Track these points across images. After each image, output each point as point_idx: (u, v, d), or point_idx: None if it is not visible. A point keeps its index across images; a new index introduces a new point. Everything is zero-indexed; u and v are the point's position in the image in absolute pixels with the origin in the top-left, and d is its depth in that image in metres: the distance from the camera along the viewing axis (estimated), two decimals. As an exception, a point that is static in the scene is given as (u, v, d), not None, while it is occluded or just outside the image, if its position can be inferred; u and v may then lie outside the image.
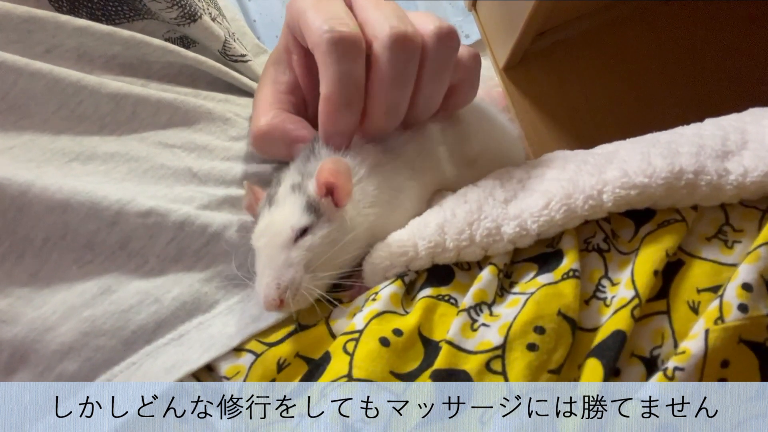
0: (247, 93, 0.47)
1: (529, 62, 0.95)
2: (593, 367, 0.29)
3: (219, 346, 0.32)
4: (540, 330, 0.29)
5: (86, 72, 0.40)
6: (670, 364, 0.28)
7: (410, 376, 0.30)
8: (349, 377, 0.29)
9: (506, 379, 0.28)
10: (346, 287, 0.35)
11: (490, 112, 0.47)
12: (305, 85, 0.39)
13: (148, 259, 0.35)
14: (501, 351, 0.29)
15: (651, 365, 0.29)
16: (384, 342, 0.30)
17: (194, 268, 0.35)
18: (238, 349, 0.33)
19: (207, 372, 0.33)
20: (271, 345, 0.32)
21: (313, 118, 0.37)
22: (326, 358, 0.31)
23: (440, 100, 0.37)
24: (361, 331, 0.31)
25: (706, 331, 0.28)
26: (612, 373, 0.28)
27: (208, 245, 0.36)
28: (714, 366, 0.28)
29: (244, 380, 0.31)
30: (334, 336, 0.33)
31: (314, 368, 0.31)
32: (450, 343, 0.30)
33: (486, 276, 0.32)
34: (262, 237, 0.34)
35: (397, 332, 0.31)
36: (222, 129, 0.42)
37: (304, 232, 0.33)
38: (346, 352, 0.31)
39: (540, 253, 0.34)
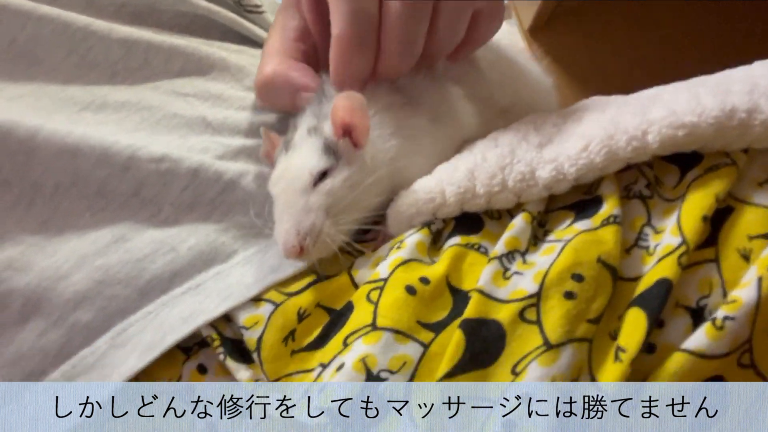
0: (260, 45, 0.45)
1: (555, 23, 0.92)
2: (636, 317, 0.27)
3: (237, 295, 0.31)
4: (578, 278, 0.27)
5: (94, 19, 0.39)
6: (720, 313, 0.26)
7: (438, 326, 0.28)
8: (374, 326, 0.28)
9: (541, 329, 0.27)
10: (369, 236, 0.33)
11: (521, 61, 0.44)
12: (316, 30, 0.37)
13: (162, 207, 0.34)
14: (536, 299, 0.27)
15: (697, 316, 0.27)
16: (410, 290, 0.29)
17: (210, 218, 0.34)
18: (257, 299, 0.31)
19: (225, 322, 0.31)
20: (290, 295, 0.31)
21: (324, 66, 0.35)
22: (349, 307, 0.30)
23: (460, 35, 0.34)
24: (385, 280, 0.29)
25: (759, 279, 0.26)
26: (656, 324, 0.26)
27: (224, 193, 0.34)
28: (766, 316, 0.26)
29: (263, 331, 0.30)
30: (356, 286, 0.31)
31: (336, 318, 0.30)
32: (480, 291, 0.28)
33: (519, 223, 0.30)
34: (279, 182, 0.32)
35: (424, 281, 0.29)
36: (236, 78, 0.40)
37: (323, 176, 0.31)
38: (369, 300, 0.29)
39: (577, 200, 0.32)
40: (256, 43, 0.45)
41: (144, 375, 0.30)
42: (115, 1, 0.40)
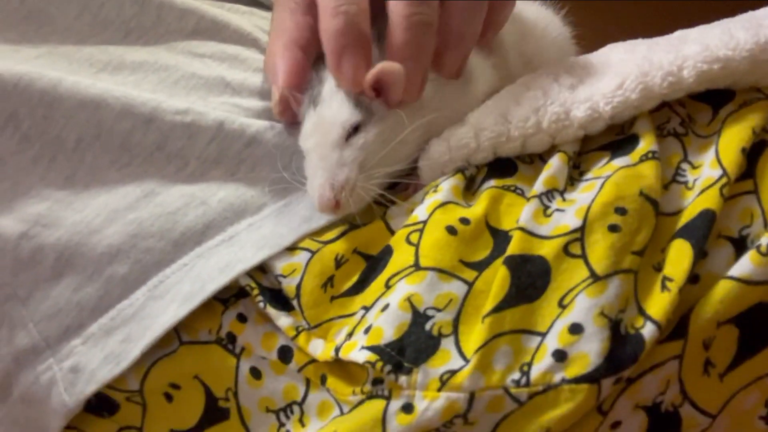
0: (270, 7, 0.44)
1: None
2: (680, 248, 0.27)
3: (272, 245, 0.31)
4: (621, 211, 0.27)
5: None
6: (764, 240, 0.26)
7: (481, 265, 0.28)
8: (417, 266, 0.28)
9: (587, 262, 0.27)
10: (402, 186, 0.33)
11: (545, 13, 0.44)
12: None
13: (189, 161, 0.33)
14: (580, 234, 0.27)
15: (740, 246, 0.27)
16: (451, 230, 0.28)
17: (237, 172, 0.34)
18: (292, 249, 0.31)
19: (261, 272, 0.31)
20: (326, 243, 0.31)
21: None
22: (387, 251, 0.30)
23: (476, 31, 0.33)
24: (425, 222, 0.29)
25: None
26: (700, 255, 0.27)
27: (250, 146, 0.34)
28: None
29: (302, 278, 0.30)
30: (392, 232, 0.31)
31: (375, 263, 0.30)
32: (522, 229, 0.28)
33: (556, 163, 0.30)
34: (310, 137, 0.32)
35: (464, 221, 0.29)
36: (251, 40, 0.39)
37: (355, 129, 0.31)
38: (410, 243, 0.29)
39: (611, 140, 0.32)
40: (264, 6, 0.44)
41: (183, 326, 0.30)
42: None
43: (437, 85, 0.34)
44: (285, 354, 0.29)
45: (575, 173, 0.31)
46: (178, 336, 0.30)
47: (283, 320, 0.29)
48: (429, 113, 0.33)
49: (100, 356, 0.30)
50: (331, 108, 0.32)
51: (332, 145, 0.31)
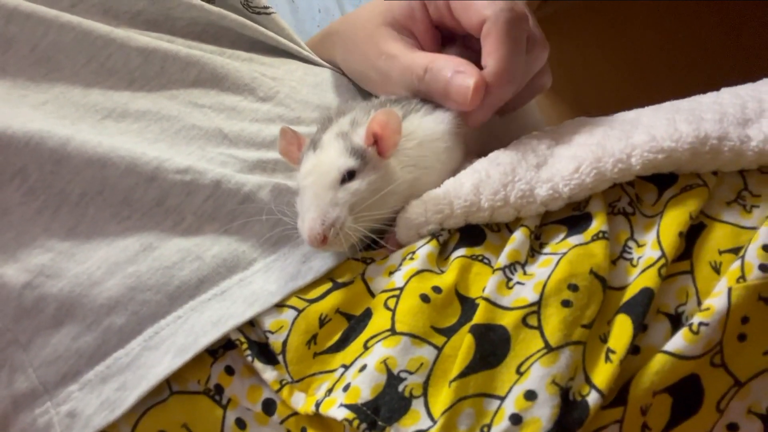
0: (270, 49, 0.47)
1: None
2: (623, 322, 0.30)
3: (262, 301, 0.34)
4: (574, 287, 0.31)
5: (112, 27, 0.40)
6: (695, 319, 0.30)
7: (449, 331, 0.31)
8: (392, 331, 0.31)
9: (542, 333, 0.30)
10: (380, 245, 0.36)
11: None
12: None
13: (185, 216, 0.36)
14: (537, 307, 0.31)
15: (676, 321, 0.31)
16: (424, 298, 0.32)
17: (230, 228, 0.36)
18: (280, 305, 0.34)
19: (250, 326, 0.34)
20: (311, 301, 0.34)
21: None
22: (367, 313, 0.33)
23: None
24: (401, 289, 0.32)
25: (729, 290, 0.30)
26: (640, 329, 0.30)
27: (243, 204, 0.37)
28: (735, 321, 0.30)
29: (288, 335, 0.33)
30: (371, 293, 0.34)
31: (356, 323, 0.33)
32: (487, 299, 0.31)
33: (519, 237, 0.34)
34: (309, 176, 0.35)
35: (437, 289, 0.32)
36: (249, 89, 0.42)
37: (350, 176, 0.35)
38: (387, 308, 0.32)
39: (568, 215, 0.35)
40: (265, 47, 0.47)
41: (174, 375, 0.32)
42: (131, 8, 0.42)
43: (425, 143, 0.38)
44: (269, 406, 0.32)
45: (536, 244, 0.35)
46: (168, 386, 0.32)
47: (269, 374, 0.32)
48: (416, 171, 0.37)
49: (96, 403, 0.32)
50: (330, 153, 0.35)
51: (327, 187, 0.34)
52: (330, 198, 0.34)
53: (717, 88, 0.41)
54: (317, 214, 0.33)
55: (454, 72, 0.37)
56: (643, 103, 0.41)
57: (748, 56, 0.85)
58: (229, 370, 0.33)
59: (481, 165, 0.37)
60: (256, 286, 0.34)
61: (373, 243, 0.35)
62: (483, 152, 0.41)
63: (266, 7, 0.49)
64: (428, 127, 0.38)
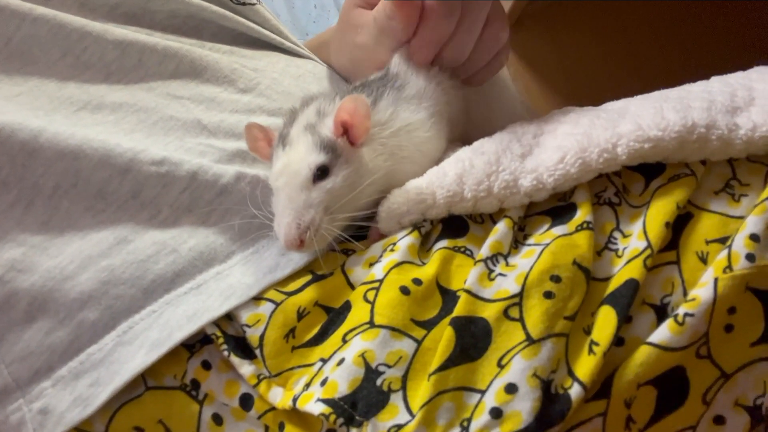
0: (252, 41, 0.46)
1: (524, 24, 0.95)
2: (607, 313, 0.30)
3: (239, 295, 0.33)
4: (556, 279, 0.30)
5: (89, 20, 0.40)
6: (681, 310, 0.29)
7: (430, 324, 0.31)
8: (371, 324, 0.30)
9: (524, 325, 0.29)
10: (360, 235, 0.35)
11: (504, 81, 0.48)
12: None
13: (161, 208, 0.35)
14: (518, 299, 0.30)
15: (661, 312, 0.30)
16: (404, 291, 0.31)
17: (207, 220, 0.36)
18: (257, 298, 0.33)
19: (227, 320, 0.33)
20: (289, 294, 0.33)
21: None
22: (347, 306, 0.32)
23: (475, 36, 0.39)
24: (381, 281, 0.32)
25: (716, 280, 0.29)
26: (625, 320, 0.30)
27: (221, 196, 0.36)
28: (722, 312, 0.29)
29: (265, 328, 0.32)
30: (351, 285, 0.33)
31: (335, 316, 0.32)
32: (468, 291, 0.31)
33: (502, 228, 0.33)
34: (280, 177, 0.34)
35: (417, 281, 0.31)
36: (229, 80, 0.41)
37: (323, 172, 0.34)
38: (366, 300, 0.31)
39: (553, 206, 0.35)
40: (247, 39, 0.46)
41: (150, 371, 0.32)
42: (108, 1, 0.41)
43: (402, 132, 0.37)
44: (246, 401, 0.31)
45: (520, 235, 0.34)
46: (144, 381, 0.32)
47: (246, 368, 0.31)
48: (392, 160, 0.36)
49: (68, 399, 0.31)
50: (299, 150, 0.34)
51: (300, 187, 0.33)
52: (303, 200, 0.33)
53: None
54: (292, 218, 0.32)
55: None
56: (638, 93, 0.41)
57: (743, 47, 0.85)
58: (206, 365, 0.32)
59: (465, 154, 0.36)
60: (233, 279, 0.34)
61: (348, 242, 0.34)
62: (465, 138, 0.41)
63: None
64: (405, 117, 0.37)
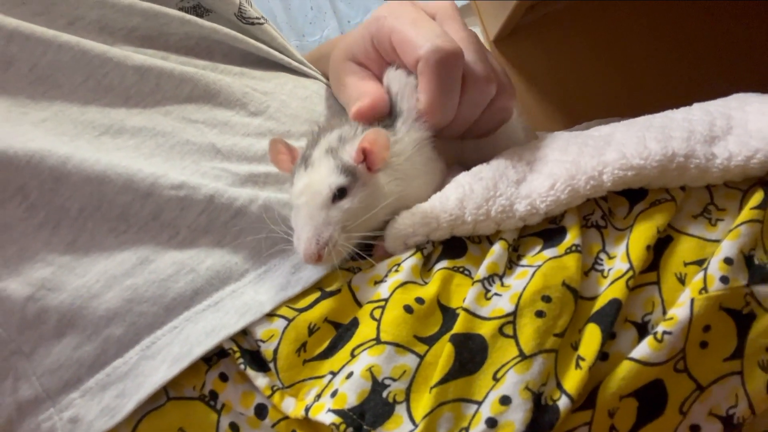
0: (261, 60, 0.49)
1: (519, 35, 0.97)
2: (593, 331, 0.32)
3: (254, 311, 0.35)
4: (547, 299, 0.33)
5: (108, 44, 0.42)
6: (660, 328, 0.32)
7: (431, 340, 0.33)
8: (377, 340, 0.33)
9: (517, 342, 0.32)
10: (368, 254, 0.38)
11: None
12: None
13: (180, 230, 0.38)
14: (512, 317, 0.33)
15: (642, 330, 0.33)
16: (408, 309, 0.34)
17: (223, 240, 0.38)
18: (271, 315, 0.35)
19: (242, 335, 0.35)
20: (300, 311, 0.35)
21: None
22: (354, 323, 0.35)
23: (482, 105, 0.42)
24: (386, 300, 0.34)
25: (692, 300, 0.32)
26: (609, 337, 0.32)
27: (236, 218, 0.38)
28: (697, 330, 0.32)
29: (278, 343, 0.34)
30: (358, 302, 0.36)
31: (343, 332, 0.35)
32: (466, 310, 0.33)
33: (497, 250, 0.36)
34: (302, 196, 0.37)
35: (419, 300, 0.34)
36: (241, 104, 0.44)
37: (341, 193, 0.37)
38: (373, 318, 0.34)
39: (544, 228, 0.37)
40: (256, 60, 0.49)
41: (171, 383, 0.34)
42: (126, 25, 0.44)
43: (410, 159, 0.40)
44: (261, 411, 0.34)
45: (514, 256, 0.37)
46: (165, 392, 0.34)
47: (261, 381, 0.34)
48: (403, 183, 0.39)
49: (96, 409, 0.34)
50: (320, 171, 0.37)
51: (320, 206, 0.36)
52: (323, 218, 0.36)
53: (703, 91, 0.43)
54: (312, 234, 0.35)
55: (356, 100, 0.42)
56: (631, 106, 0.43)
57: (735, 58, 0.88)
58: (223, 377, 0.35)
59: (465, 179, 0.39)
60: (248, 297, 0.36)
61: (360, 257, 0.37)
62: (464, 162, 0.44)
63: (258, 18, 0.50)
64: (410, 141, 0.40)
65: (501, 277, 0.35)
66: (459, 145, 0.46)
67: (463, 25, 0.43)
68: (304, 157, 0.39)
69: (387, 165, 0.39)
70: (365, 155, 0.38)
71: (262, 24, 0.50)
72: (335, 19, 2.06)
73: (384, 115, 0.42)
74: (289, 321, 0.35)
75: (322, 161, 0.38)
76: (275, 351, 0.34)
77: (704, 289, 0.32)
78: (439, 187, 0.40)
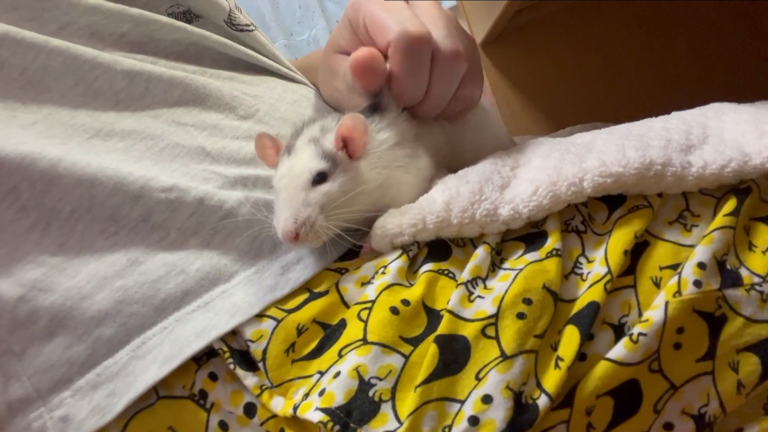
0: (250, 66, 0.49)
1: (505, 39, 0.99)
2: (571, 332, 0.34)
3: (243, 312, 0.36)
4: (528, 301, 0.34)
5: (98, 50, 0.42)
6: (635, 330, 0.33)
7: (416, 341, 0.34)
8: (364, 341, 0.34)
9: (499, 343, 0.33)
10: (357, 248, 0.39)
11: (489, 118, 0.52)
12: None
13: (170, 231, 0.38)
14: (494, 319, 0.34)
15: (619, 331, 0.34)
16: (394, 311, 0.35)
17: (212, 242, 0.39)
18: (260, 315, 0.36)
19: (232, 335, 0.36)
20: (289, 311, 0.36)
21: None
22: (342, 324, 0.36)
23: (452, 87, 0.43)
24: (373, 301, 0.35)
25: (666, 303, 0.33)
26: (587, 338, 0.34)
27: (225, 219, 0.39)
28: (671, 332, 0.33)
29: (267, 343, 0.35)
30: (345, 303, 0.37)
31: (331, 333, 0.36)
32: (450, 312, 0.34)
33: (481, 254, 0.37)
34: (283, 179, 0.38)
35: (405, 302, 0.35)
36: (230, 107, 0.45)
37: (321, 178, 0.38)
38: (360, 319, 0.35)
39: (527, 233, 0.39)
40: (245, 66, 0.49)
41: (162, 382, 0.35)
42: (116, 31, 0.44)
43: (395, 165, 0.40)
44: (249, 409, 0.35)
45: (497, 259, 0.38)
46: (155, 391, 0.35)
47: (250, 380, 0.35)
48: (385, 173, 0.40)
49: (87, 408, 0.34)
50: (302, 157, 0.38)
51: (299, 188, 0.37)
52: (302, 198, 0.37)
53: (683, 97, 0.44)
54: (290, 213, 0.37)
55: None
56: (614, 110, 0.44)
57: (714, 66, 0.90)
58: (213, 377, 0.35)
59: (451, 182, 0.40)
60: (237, 298, 0.37)
61: (354, 246, 0.38)
62: (449, 163, 0.45)
63: (248, 25, 0.51)
64: (394, 130, 0.42)
65: (484, 280, 0.36)
66: (447, 140, 0.47)
67: (436, 5, 0.44)
68: (288, 147, 0.40)
69: (369, 153, 0.40)
70: (346, 143, 0.39)
71: (251, 31, 0.51)
72: (323, 18, 2.06)
73: (375, 91, 0.42)
74: (278, 321, 0.36)
75: (304, 148, 0.39)
76: (264, 351, 0.35)
77: (678, 292, 0.33)
78: (426, 185, 0.41)
